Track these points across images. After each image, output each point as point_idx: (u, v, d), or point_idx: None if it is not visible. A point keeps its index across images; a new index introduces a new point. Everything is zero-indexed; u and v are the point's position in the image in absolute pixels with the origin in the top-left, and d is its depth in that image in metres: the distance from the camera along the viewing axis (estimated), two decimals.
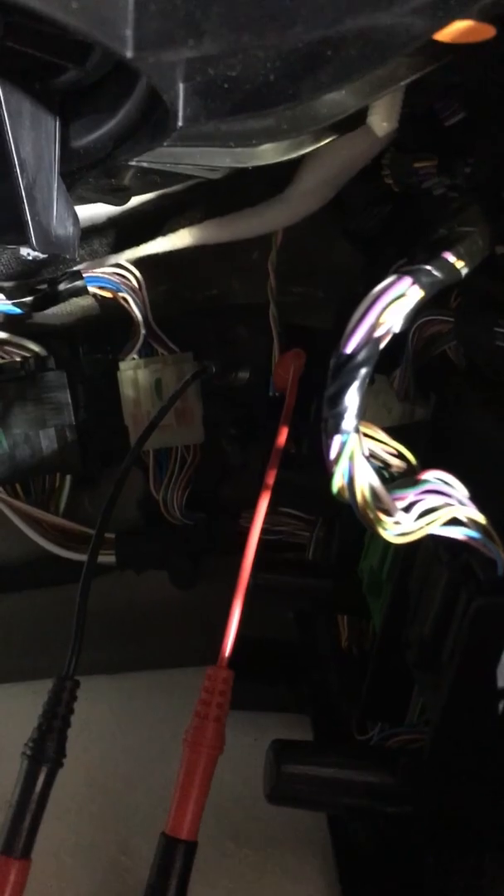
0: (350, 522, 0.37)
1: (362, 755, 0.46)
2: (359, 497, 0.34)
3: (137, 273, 0.64)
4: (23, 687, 0.68)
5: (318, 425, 0.35)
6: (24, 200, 0.34)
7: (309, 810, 0.52)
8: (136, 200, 0.54)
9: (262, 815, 0.51)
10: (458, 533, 0.38)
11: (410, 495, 0.37)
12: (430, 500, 0.37)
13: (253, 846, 0.54)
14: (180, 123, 0.30)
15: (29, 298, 0.63)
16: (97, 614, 0.53)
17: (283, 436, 0.52)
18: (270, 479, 0.49)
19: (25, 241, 0.35)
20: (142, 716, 0.66)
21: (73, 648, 0.50)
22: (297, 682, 0.65)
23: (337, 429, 0.34)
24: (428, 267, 0.36)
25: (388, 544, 0.43)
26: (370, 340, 0.34)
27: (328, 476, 0.35)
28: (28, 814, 0.45)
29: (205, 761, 0.43)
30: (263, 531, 0.47)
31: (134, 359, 0.68)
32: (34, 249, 0.36)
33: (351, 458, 0.34)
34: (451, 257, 0.37)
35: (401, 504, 0.36)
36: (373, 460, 0.36)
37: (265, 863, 0.53)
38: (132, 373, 0.68)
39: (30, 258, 0.53)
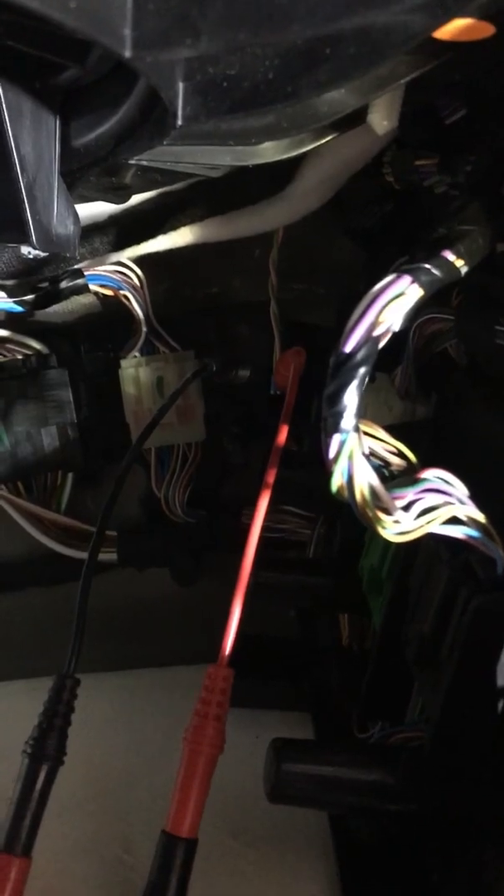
0: (351, 521, 0.37)
1: (363, 753, 0.46)
2: (358, 496, 0.34)
3: (138, 271, 0.64)
4: (23, 684, 0.68)
5: (318, 423, 0.35)
6: (25, 199, 0.34)
7: (310, 808, 0.52)
8: (136, 199, 0.54)
9: (264, 813, 0.51)
10: (457, 532, 0.38)
11: (410, 494, 0.37)
12: (430, 499, 0.37)
13: (254, 844, 0.54)
14: (180, 122, 0.30)
15: (30, 296, 0.63)
16: (98, 612, 0.53)
17: (283, 434, 0.52)
18: (271, 477, 0.49)
19: (26, 240, 0.35)
20: (143, 713, 0.66)
21: (73, 646, 0.50)
22: (298, 679, 0.65)
23: (336, 428, 0.34)
24: (427, 265, 0.36)
25: (388, 543, 0.43)
26: (369, 339, 0.34)
27: (328, 475, 0.35)
28: (29, 812, 0.45)
29: (205, 759, 0.43)
30: (264, 529, 0.47)
31: (135, 357, 0.68)
32: (35, 248, 0.36)
33: (350, 457, 0.34)
34: (450, 256, 0.37)
35: (400, 503, 0.36)
36: (372, 459, 0.36)
37: (267, 861, 0.53)
38: (133, 371, 0.68)
39: (30, 256, 0.53)
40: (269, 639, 0.66)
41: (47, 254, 0.53)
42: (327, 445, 0.34)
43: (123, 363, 0.68)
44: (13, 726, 0.50)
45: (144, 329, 0.67)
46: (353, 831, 0.52)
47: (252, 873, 0.53)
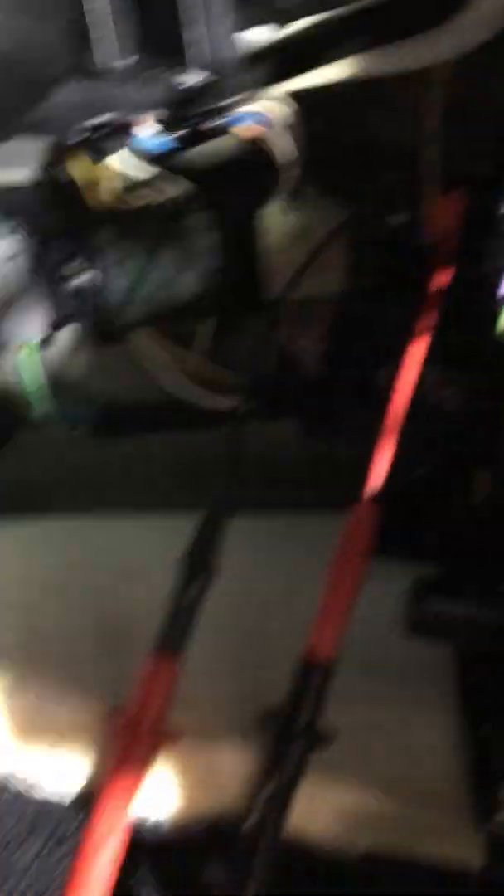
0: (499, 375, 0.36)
1: (497, 599, 0.46)
2: None
3: (290, 109, 0.61)
4: (168, 520, 0.71)
5: (473, 274, 0.34)
6: (188, 21, 0.34)
7: (443, 645, 0.54)
8: (298, 25, 0.51)
9: (394, 651, 0.53)
10: None
11: None
12: None
13: (384, 680, 0.56)
14: None
15: (180, 133, 0.61)
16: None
17: (438, 284, 0.51)
18: (422, 330, 0.48)
19: (185, 64, 0.35)
20: (280, 556, 0.67)
21: (227, 482, 0.51)
22: (436, 531, 0.65)
23: None
24: None
25: None
26: None
27: (495, 315, 0.34)
28: (183, 614, 0.49)
29: (347, 591, 0.44)
30: (407, 385, 0.47)
31: (280, 203, 0.66)
32: (193, 74, 0.36)
33: None
34: None
35: None
36: None
37: (393, 696, 0.55)
38: (277, 218, 0.66)
39: (187, 85, 0.51)
40: (407, 492, 0.65)
41: (202, 84, 0.51)
42: (499, 286, 0.33)
43: (267, 210, 0.66)
44: (151, 554, 0.52)
45: (291, 173, 0.65)
46: (480, 671, 0.53)
47: (378, 706, 0.55)
